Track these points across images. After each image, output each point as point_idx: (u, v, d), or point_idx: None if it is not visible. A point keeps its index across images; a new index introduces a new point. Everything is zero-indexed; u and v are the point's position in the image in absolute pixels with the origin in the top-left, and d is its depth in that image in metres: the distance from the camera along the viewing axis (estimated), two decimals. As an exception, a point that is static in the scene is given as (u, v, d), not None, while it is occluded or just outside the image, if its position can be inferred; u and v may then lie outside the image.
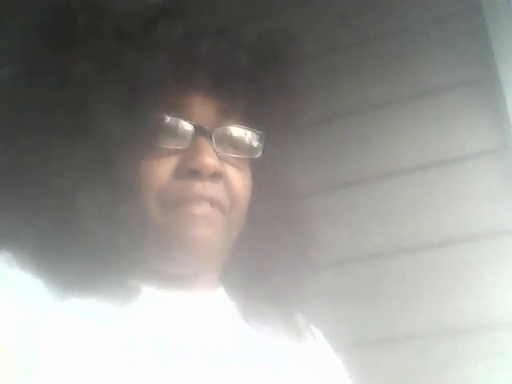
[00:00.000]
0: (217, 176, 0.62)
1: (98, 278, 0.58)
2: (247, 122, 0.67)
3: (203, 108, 0.64)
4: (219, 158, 0.63)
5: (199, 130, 0.63)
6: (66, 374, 0.52)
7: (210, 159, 0.61)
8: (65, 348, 0.53)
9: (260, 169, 0.72)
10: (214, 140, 0.63)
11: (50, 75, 0.61)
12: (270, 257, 0.71)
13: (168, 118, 0.62)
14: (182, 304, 0.64)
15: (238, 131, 0.66)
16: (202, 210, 0.61)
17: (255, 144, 0.68)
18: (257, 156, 0.68)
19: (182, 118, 0.63)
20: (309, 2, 1.35)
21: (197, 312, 0.65)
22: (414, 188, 1.20)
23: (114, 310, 0.58)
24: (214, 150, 0.63)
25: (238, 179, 0.66)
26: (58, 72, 0.61)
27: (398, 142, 1.23)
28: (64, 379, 0.52)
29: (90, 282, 0.57)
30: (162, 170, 0.61)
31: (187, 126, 0.62)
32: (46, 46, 0.63)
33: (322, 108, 1.28)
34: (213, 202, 0.62)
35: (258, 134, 0.68)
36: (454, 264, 1.13)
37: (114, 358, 0.55)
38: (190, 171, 0.61)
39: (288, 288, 0.71)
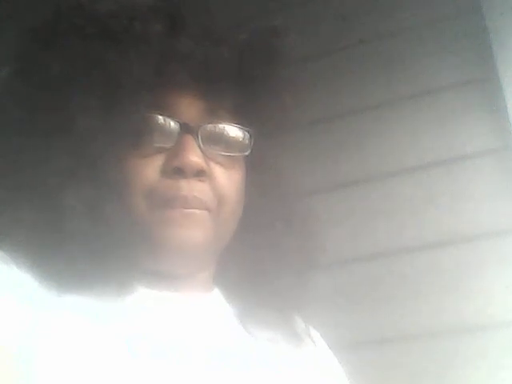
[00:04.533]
0: (201, 174, 0.62)
1: (91, 277, 0.57)
2: (237, 119, 0.66)
3: (190, 106, 0.63)
4: (205, 155, 0.63)
5: (185, 128, 0.62)
6: (64, 373, 0.52)
7: (194, 157, 0.61)
8: (60, 347, 0.53)
9: (259, 169, 0.72)
10: (199, 137, 0.62)
11: (36, 76, 0.61)
12: (268, 258, 0.70)
13: (154, 117, 0.62)
14: (174, 305, 0.63)
15: (225, 129, 0.65)
16: (188, 211, 0.61)
17: (243, 141, 0.66)
18: (246, 153, 0.67)
19: (168, 116, 0.62)
20: (309, 2, 1.35)
21: (189, 313, 0.64)
22: (415, 188, 1.20)
23: (105, 308, 0.58)
24: (200, 148, 0.62)
25: (225, 178, 0.64)
26: (43, 73, 0.60)
27: (398, 141, 1.23)
28: (62, 378, 0.52)
29: (81, 281, 0.57)
30: (149, 168, 0.61)
31: (173, 124, 0.62)
32: (33, 47, 0.63)
33: (322, 108, 1.28)
34: (198, 202, 0.62)
35: (246, 131, 0.66)
36: (454, 264, 1.13)
37: (107, 358, 0.54)
38: (174, 169, 0.61)
39: (287, 290, 0.70)
